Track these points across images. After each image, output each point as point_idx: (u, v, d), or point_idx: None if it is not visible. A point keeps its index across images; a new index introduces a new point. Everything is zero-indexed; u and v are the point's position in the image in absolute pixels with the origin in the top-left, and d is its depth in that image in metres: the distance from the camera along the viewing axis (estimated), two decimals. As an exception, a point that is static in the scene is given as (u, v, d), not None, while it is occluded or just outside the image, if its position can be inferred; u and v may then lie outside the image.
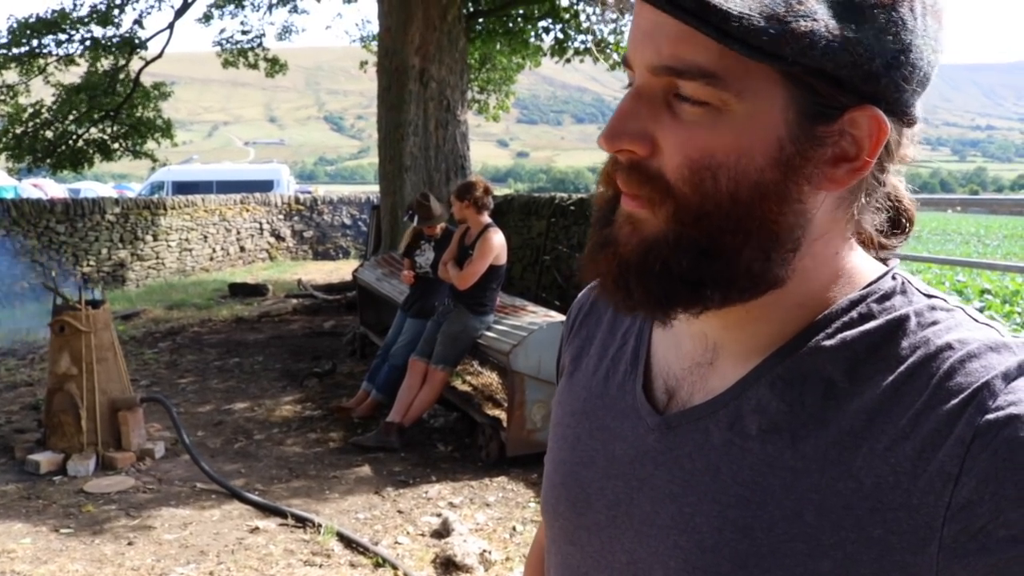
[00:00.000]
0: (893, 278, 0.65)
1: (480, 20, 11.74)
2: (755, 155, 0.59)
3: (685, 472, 0.66)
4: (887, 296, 0.64)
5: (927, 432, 0.56)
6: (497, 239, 5.31)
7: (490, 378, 6.76)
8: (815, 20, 0.55)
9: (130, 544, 3.92)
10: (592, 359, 0.82)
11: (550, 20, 12.67)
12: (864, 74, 0.57)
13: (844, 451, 0.59)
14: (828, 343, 0.63)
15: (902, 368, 0.60)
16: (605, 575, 0.72)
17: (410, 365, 5.49)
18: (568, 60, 13.07)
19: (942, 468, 0.55)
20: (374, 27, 13.11)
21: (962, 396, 0.56)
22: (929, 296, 0.64)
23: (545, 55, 13.50)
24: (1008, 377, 0.56)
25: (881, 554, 0.56)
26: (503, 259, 5.37)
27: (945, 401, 0.57)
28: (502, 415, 5.32)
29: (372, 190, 19.07)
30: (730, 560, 0.62)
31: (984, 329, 0.61)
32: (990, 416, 0.54)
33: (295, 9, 15.03)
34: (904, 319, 0.62)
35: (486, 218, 5.41)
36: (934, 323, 0.61)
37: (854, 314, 0.63)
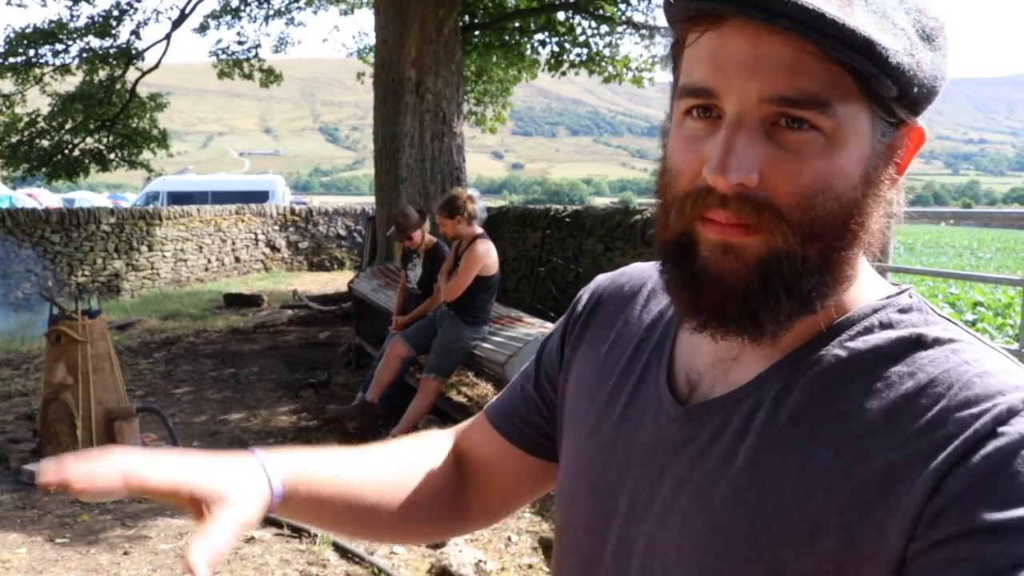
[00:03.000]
0: (910, 296, 0.70)
1: (476, 33, 11.80)
2: (852, 175, 0.63)
3: (704, 459, 0.70)
4: (906, 310, 0.69)
5: (944, 432, 0.60)
6: (482, 249, 5.29)
7: (486, 389, 6.78)
8: (921, 52, 0.61)
9: (126, 554, 3.92)
10: (614, 349, 0.85)
11: (546, 33, 12.75)
12: (930, 94, 0.63)
13: (861, 441, 0.63)
14: (852, 344, 0.67)
15: (922, 375, 0.64)
16: (621, 559, 0.75)
17: (391, 345, 5.56)
18: (564, 73, 13.14)
19: (950, 459, 0.59)
20: (371, 39, 13.15)
21: (981, 405, 0.60)
22: (944, 319, 0.69)
23: (541, 68, 13.57)
24: (1021, 392, 0.61)
25: (880, 535, 0.60)
26: (493, 269, 5.37)
27: (964, 407, 0.61)
28: (497, 426, 5.33)
29: (367, 201, 19.09)
30: (742, 539, 0.65)
31: (996, 354, 0.66)
32: (1005, 427, 0.59)
33: (291, 21, 15.06)
34: (925, 333, 0.66)
35: (476, 228, 5.40)
36: (951, 341, 0.66)
37: (875, 320, 0.68)
